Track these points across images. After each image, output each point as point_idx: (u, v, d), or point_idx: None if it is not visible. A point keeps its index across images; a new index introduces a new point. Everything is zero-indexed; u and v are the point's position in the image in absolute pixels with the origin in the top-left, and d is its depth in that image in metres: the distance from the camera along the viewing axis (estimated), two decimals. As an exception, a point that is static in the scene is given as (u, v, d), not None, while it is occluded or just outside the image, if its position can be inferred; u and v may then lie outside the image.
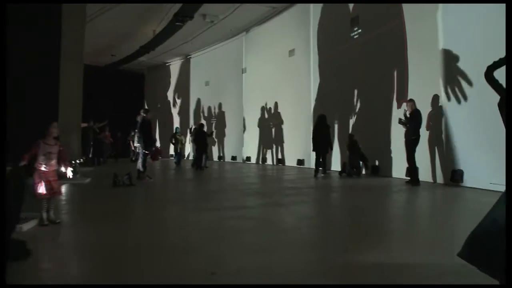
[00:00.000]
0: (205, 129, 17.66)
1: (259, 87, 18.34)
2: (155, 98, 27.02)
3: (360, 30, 12.92)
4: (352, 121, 13.15)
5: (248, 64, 19.30)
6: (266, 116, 17.83)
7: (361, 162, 12.13)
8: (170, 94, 25.73)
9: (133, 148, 17.82)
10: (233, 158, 19.88)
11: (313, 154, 12.47)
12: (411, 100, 9.56)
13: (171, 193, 9.05)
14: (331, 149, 12.37)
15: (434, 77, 9.88)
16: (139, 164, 11.05)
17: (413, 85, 10.60)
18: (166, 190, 9.54)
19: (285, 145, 16.71)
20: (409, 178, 9.83)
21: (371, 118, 12.35)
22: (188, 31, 18.72)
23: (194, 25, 17.82)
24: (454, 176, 9.22)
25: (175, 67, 25.10)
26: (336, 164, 12.95)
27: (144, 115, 11.01)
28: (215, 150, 21.25)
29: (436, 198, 8.27)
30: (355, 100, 13.07)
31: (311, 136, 12.31)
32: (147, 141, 10.95)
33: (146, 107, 26.44)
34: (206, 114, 22.00)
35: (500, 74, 6.10)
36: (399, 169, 11.07)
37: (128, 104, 23.80)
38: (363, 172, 12.23)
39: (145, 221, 5.63)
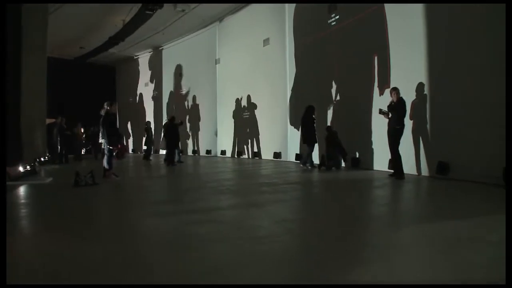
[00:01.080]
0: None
1: (233, 78, 17.43)
2: (127, 92, 25.80)
3: (338, 17, 12.13)
4: (330, 112, 12.39)
5: (222, 55, 18.33)
6: (241, 108, 16.95)
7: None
8: (142, 87, 24.56)
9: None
10: (208, 152, 18.94)
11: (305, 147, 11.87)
12: (395, 89, 8.80)
13: (136, 193, 8.09)
14: (306, 143, 11.60)
15: (418, 64, 9.16)
16: (104, 161, 10.08)
17: (396, 72, 9.86)
18: (131, 189, 8.58)
19: (261, 137, 15.86)
20: (392, 171, 9.14)
21: (351, 109, 11.59)
22: (159, 21, 17.65)
23: (165, 14, 16.79)
24: (440, 168, 8.56)
25: (147, 59, 23.86)
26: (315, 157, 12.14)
27: (108, 108, 10.00)
28: (189, 144, 20.29)
29: (425, 193, 7.55)
30: (333, 90, 12.29)
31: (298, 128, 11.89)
32: (112, 136, 9.96)
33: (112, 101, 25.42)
34: (180, 107, 20.97)
35: (500, 74, 5.39)
36: (380, 161, 10.38)
37: (100, 98, 22.48)
38: (343, 165, 11.50)
39: (96, 231, 4.69)
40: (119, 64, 26.20)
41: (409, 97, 8.94)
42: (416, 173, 9.12)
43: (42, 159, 13.77)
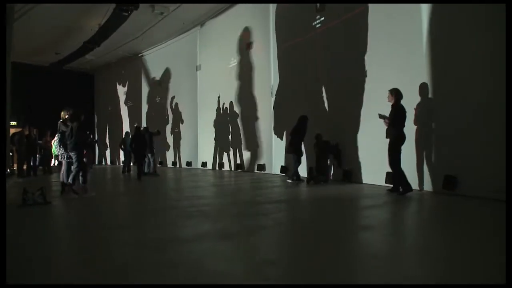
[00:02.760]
0: (154, 130, 15.26)
1: (214, 85, 15.95)
2: (106, 100, 24.20)
3: (323, 18, 10.82)
4: (318, 120, 11.01)
5: (203, 61, 16.87)
6: (223, 117, 15.48)
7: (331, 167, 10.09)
8: (121, 96, 22.98)
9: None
10: (188, 164, 17.39)
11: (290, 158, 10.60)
12: (393, 90, 7.45)
13: (89, 215, 6.55)
14: (294, 152, 10.20)
15: (419, 62, 7.83)
16: (62, 175, 8.55)
17: (394, 72, 8.48)
18: (86, 210, 7.05)
19: (244, 148, 14.40)
20: (391, 185, 7.76)
21: (340, 115, 10.24)
22: (136, 25, 16.21)
23: (142, 18, 15.38)
24: (447, 183, 7.19)
25: (125, 66, 22.31)
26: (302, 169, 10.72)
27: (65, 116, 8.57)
28: (169, 155, 18.73)
29: (444, 215, 6.15)
30: (322, 95, 10.92)
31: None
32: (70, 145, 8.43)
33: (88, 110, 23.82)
34: (160, 116, 19.43)
35: (500, 74, 4.85)
36: (374, 174, 9.00)
37: (78, 107, 20.90)
38: (330, 177, 10.14)
39: (17, 265, 3.20)
40: (97, 72, 24.60)
41: (410, 101, 7.59)
42: (418, 188, 7.74)
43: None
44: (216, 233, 4.69)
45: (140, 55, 20.78)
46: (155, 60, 19.89)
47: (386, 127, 7.46)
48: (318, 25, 11.02)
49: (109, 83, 23.78)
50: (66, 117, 8.51)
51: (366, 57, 9.31)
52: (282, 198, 7.75)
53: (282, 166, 12.31)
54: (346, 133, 9.95)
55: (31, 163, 14.45)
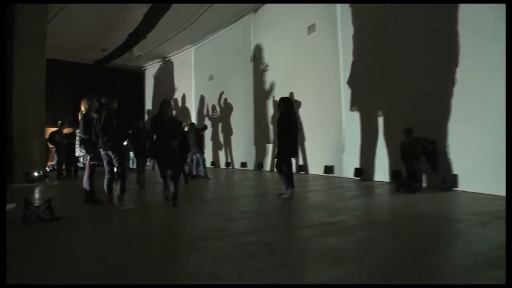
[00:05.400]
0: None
1: (271, 76, 13.87)
2: (156, 98, 22.63)
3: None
4: (404, 111, 8.68)
5: (258, 51, 14.81)
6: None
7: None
8: (172, 92, 21.27)
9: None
10: (243, 164, 15.38)
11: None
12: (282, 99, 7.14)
13: (123, 247, 4.59)
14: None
15: None
16: (85, 181, 6.69)
17: None
18: (117, 234, 5.15)
19: (308, 147, 12.20)
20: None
21: (437, 105, 7.87)
22: (184, 15, 14.48)
23: (190, 7, 13.61)
24: None
25: (176, 61, 20.57)
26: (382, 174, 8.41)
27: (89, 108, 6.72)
28: (221, 155, 16.80)
29: None
30: (408, 79, 8.59)
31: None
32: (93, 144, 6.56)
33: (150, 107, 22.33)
34: (210, 113, 17.56)
35: (500, 74, 4.01)
36: (487, 180, 6.60)
37: (127, 105, 19.44)
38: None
39: None
40: (147, 68, 23.11)
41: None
42: None
43: (37, 173, 10.63)
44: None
45: (189, 47, 18.97)
46: (206, 53, 18.02)
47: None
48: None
49: (159, 79, 22.22)
50: (87, 107, 6.66)
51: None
52: (375, 219, 5.50)
53: (356, 169, 10.03)
54: (444, 128, 7.58)
55: (71, 164, 12.78)
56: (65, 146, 12.18)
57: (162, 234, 4.86)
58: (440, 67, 7.85)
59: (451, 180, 7.49)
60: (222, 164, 16.56)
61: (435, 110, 7.94)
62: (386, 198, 7.24)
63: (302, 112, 12.18)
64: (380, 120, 9.46)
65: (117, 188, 6.36)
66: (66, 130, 12.92)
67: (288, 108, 7.11)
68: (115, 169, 6.39)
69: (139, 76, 23.49)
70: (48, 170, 11.05)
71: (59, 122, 12.98)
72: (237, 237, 4.37)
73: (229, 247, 3.90)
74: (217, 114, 16.81)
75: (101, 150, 6.35)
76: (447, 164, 7.61)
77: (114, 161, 6.31)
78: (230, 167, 16.02)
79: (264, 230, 4.79)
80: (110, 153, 6.29)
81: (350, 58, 10.42)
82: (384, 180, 9.20)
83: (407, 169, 7.69)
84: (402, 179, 7.75)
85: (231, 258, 3.54)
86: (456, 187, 7.43)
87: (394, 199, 6.95)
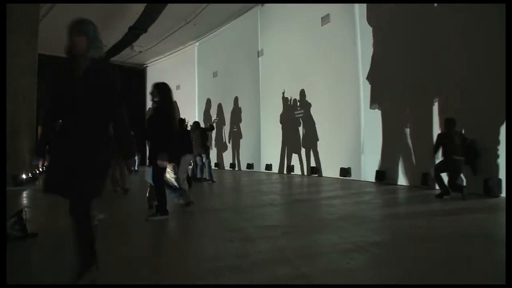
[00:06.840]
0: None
1: (280, 72, 12.84)
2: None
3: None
4: (434, 109, 7.68)
5: (265, 45, 13.78)
6: (292, 107, 12.31)
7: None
8: (174, 91, 20.20)
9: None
10: (249, 166, 14.35)
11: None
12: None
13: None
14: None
15: None
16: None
17: None
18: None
19: (321, 147, 11.17)
20: None
21: (480, 98, 6.86)
22: (186, 9, 13.51)
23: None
24: None
25: (178, 57, 19.54)
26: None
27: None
28: (227, 156, 15.76)
29: None
30: (439, 74, 7.58)
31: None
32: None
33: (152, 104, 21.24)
34: (215, 112, 16.53)
35: (500, 74, 3.91)
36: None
37: (128, 102, 18.37)
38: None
39: None
40: (148, 65, 22.06)
41: None
42: None
43: (25, 176, 9.64)
44: None
45: (192, 43, 17.94)
46: (209, 49, 17.02)
47: None
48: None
49: (161, 76, 21.14)
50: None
51: None
52: (426, 232, 4.44)
53: (377, 171, 9.00)
54: (489, 126, 6.57)
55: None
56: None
57: (157, 265, 3.80)
58: (479, 59, 6.84)
59: (494, 186, 6.46)
60: (227, 165, 15.54)
61: (474, 108, 6.92)
62: (440, 207, 6.02)
63: (315, 110, 11.16)
64: (404, 119, 8.45)
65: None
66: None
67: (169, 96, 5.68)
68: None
69: (141, 73, 22.45)
70: (38, 172, 10.04)
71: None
72: (263, 267, 3.27)
73: None
74: (216, 120, 15.73)
75: None
76: (494, 167, 6.59)
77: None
78: (236, 169, 15.00)
79: (297, 256, 3.59)
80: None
81: (370, 50, 9.41)
82: (407, 184, 8.22)
83: (451, 168, 6.54)
84: (443, 186, 6.61)
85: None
86: (500, 193, 6.41)
87: (454, 209, 5.73)
